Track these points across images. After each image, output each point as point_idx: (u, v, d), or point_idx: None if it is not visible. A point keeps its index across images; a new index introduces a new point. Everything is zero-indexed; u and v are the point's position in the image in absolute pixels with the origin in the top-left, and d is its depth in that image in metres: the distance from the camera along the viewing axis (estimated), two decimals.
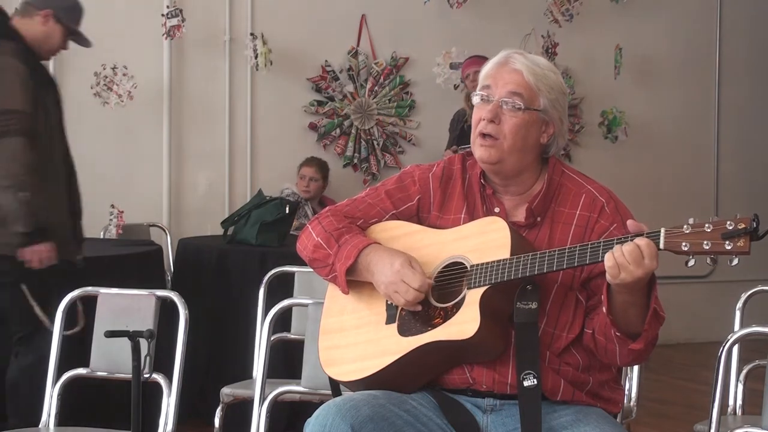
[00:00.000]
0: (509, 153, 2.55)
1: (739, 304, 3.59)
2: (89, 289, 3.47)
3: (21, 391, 4.02)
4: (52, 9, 4.27)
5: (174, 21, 6.39)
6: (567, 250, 2.38)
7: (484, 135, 2.55)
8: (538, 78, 2.56)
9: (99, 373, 3.37)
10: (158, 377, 3.13)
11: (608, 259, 2.29)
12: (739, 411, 3.53)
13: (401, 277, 2.49)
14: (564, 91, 2.64)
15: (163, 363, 3.22)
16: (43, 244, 3.98)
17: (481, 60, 6.53)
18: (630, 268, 2.27)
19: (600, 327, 2.45)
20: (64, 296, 3.44)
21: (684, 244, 2.25)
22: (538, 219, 2.57)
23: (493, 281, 2.44)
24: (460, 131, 6.43)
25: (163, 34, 6.38)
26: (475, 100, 2.61)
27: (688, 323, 7.45)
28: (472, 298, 2.45)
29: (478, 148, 2.57)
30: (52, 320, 3.55)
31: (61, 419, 3.37)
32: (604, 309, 2.39)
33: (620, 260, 2.27)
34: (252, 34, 6.62)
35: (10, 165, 3.94)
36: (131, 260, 4.66)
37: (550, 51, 7.19)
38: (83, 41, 4.42)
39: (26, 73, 4.07)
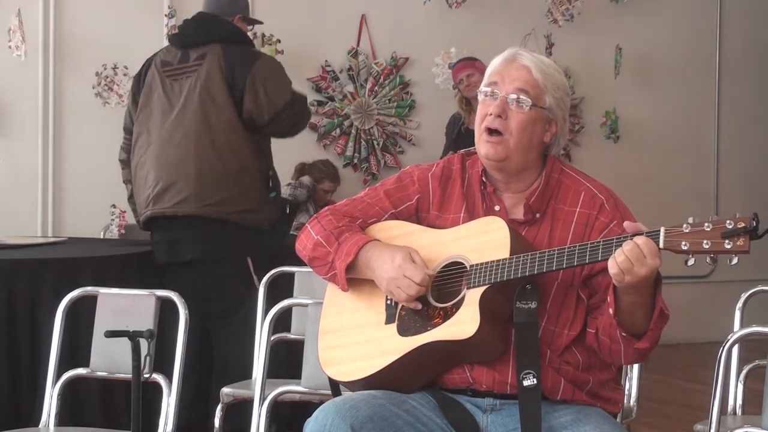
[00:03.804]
0: (515, 150, 2.55)
1: (739, 304, 3.59)
2: (89, 289, 3.47)
3: (231, 358, 4.38)
4: (242, 14, 4.88)
5: (174, 21, 6.40)
6: (566, 250, 2.38)
7: (490, 131, 2.56)
8: (545, 76, 2.57)
9: (99, 373, 3.36)
10: (158, 377, 3.13)
11: (611, 266, 2.29)
12: (739, 411, 3.53)
13: (403, 272, 2.50)
14: (567, 91, 2.65)
15: (162, 363, 3.22)
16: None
17: (472, 62, 6.54)
18: (633, 269, 2.27)
19: (604, 327, 2.45)
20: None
21: (684, 243, 2.25)
22: (537, 216, 2.57)
23: (492, 281, 2.44)
24: (456, 135, 6.43)
25: (166, 34, 6.38)
26: (481, 96, 2.61)
27: (688, 323, 7.44)
28: (472, 297, 2.45)
29: (484, 145, 2.57)
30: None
31: (61, 419, 3.37)
32: (611, 311, 2.39)
33: (623, 265, 2.27)
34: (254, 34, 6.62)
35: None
36: (131, 260, 4.66)
37: (547, 50, 7.19)
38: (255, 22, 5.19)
39: None
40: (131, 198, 4.85)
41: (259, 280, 4.15)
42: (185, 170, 4.53)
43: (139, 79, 4.82)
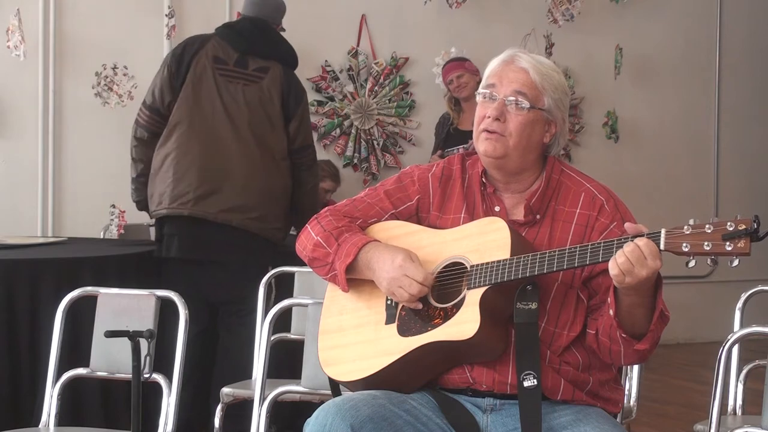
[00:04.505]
0: (513, 149, 2.55)
1: (739, 304, 3.58)
2: (89, 289, 3.46)
3: (237, 357, 4.37)
4: (281, 23, 5.08)
5: (174, 21, 6.40)
6: (567, 251, 2.38)
7: (489, 132, 2.56)
8: (543, 77, 2.57)
9: (99, 373, 3.36)
10: (158, 377, 3.13)
11: (612, 267, 2.29)
12: (739, 411, 3.53)
13: (404, 272, 2.50)
14: (566, 91, 2.64)
15: (162, 363, 3.22)
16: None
17: (461, 63, 6.54)
18: (634, 271, 2.27)
19: (604, 328, 2.45)
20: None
21: (684, 244, 2.25)
22: (538, 217, 2.57)
23: (492, 281, 2.44)
24: (446, 135, 6.43)
25: (166, 34, 6.38)
26: (479, 98, 2.61)
27: (688, 323, 7.45)
28: (472, 298, 2.45)
29: (483, 142, 2.57)
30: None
31: (61, 419, 3.37)
32: (611, 312, 2.39)
33: (624, 266, 2.27)
34: None
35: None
36: (131, 260, 4.66)
37: (547, 50, 7.19)
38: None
39: None
40: (139, 177, 4.82)
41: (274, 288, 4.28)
42: (233, 179, 4.61)
43: (181, 63, 4.75)
